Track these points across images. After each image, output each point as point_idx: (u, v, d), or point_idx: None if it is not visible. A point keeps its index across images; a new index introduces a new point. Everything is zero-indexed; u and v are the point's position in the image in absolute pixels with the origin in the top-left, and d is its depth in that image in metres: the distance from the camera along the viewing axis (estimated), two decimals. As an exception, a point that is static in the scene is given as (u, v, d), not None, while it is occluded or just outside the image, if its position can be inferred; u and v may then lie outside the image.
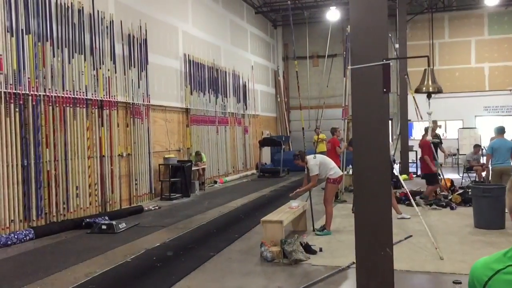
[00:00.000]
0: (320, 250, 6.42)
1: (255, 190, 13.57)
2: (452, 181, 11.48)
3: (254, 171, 18.73)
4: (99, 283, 5.36)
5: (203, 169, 13.83)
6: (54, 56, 8.54)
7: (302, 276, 5.40)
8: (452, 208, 9.37)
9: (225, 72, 16.53)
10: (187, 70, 13.76)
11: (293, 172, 18.02)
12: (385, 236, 3.07)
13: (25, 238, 7.46)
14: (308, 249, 6.31)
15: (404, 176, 14.55)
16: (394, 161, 11.51)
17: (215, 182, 15.10)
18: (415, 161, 17.00)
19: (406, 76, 13.96)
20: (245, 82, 18.38)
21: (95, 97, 9.59)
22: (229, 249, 6.83)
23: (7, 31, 7.61)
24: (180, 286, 5.19)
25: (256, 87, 19.93)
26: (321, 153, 12.64)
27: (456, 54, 20.78)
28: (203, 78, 14.80)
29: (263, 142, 18.77)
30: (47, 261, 6.36)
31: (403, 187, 12.13)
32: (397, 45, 16.18)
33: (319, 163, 7.54)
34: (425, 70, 4.27)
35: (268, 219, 6.70)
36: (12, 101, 7.67)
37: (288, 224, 7.47)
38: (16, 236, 7.37)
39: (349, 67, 3.31)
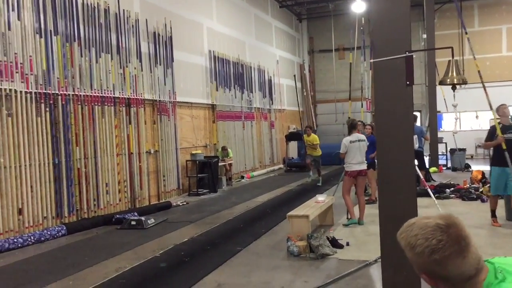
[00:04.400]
0: (347, 244, 6.39)
1: (282, 184, 13.57)
2: (483, 173, 11.23)
3: (281, 165, 18.71)
4: (128, 278, 5.48)
5: (230, 165, 13.90)
6: (82, 56, 8.72)
7: (328, 271, 5.39)
8: (483, 201, 9.17)
9: (250, 67, 16.54)
10: (213, 66, 13.83)
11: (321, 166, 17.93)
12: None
13: (57, 234, 7.67)
14: (334, 243, 6.29)
15: (434, 168, 14.30)
16: (422, 153, 11.29)
17: (242, 177, 15.17)
18: (445, 153, 16.68)
19: (435, 67, 13.68)
20: (270, 76, 18.36)
21: (123, 95, 9.75)
22: (256, 244, 6.87)
23: (36, 33, 7.81)
24: (208, 281, 5.25)
25: (281, 81, 19.89)
26: (319, 156, 13.24)
27: (487, 43, 20.22)
28: (229, 74, 14.86)
29: (289, 137, 18.72)
30: (79, 256, 6.53)
31: (432, 179, 12.02)
32: (424, 36, 15.87)
33: (348, 146, 7.64)
34: (449, 61, 4.17)
35: (294, 213, 6.70)
36: (42, 101, 7.87)
37: (315, 218, 7.47)
38: (49, 232, 7.58)
39: (371, 60, 3.28)
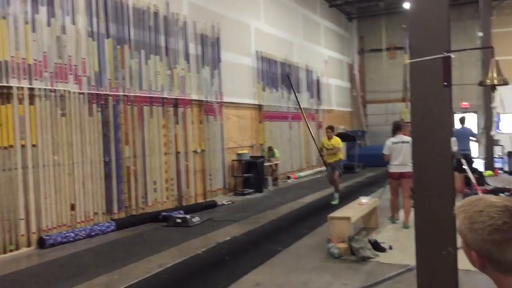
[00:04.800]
0: (390, 248, 6.26)
1: (328, 186, 13.42)
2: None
3: (329, 166, 18.52)
4: (170, 274, 5.63)
5: (276, 165, 13.93)
6: (132, 58, 9.03)
7: (368, 274, 5.31)
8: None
9: (298, 67, 16.50)
10: (260, 67, 13.92)
11: (368, 168, 17.66)
12: (447, 235, 2.95)
13: (107, 230, 7.97)
14: (377, 246, 6.18)
15: (489, 172, 13.73)
16: (470, 156, 10.85)
17: (288, 177, 15.16)
18: (502, 156, 15.96)
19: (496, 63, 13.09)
20: (318, 76, 18.24)
21: (170, 95, 10.01)
22: (297, 244, 6.87)
23: (89, 36, 8.16)
24: (246, 280, 5.30)
25: (330, 81, 19.71)
26: (337, 162, 10.45)
27: (549, 40, 19.16)
28: (276, 74, 14.90)
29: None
30: (126, 251, 6.77)
31: (486, 183, 11.54)
32: (480, 33, 15.23)
33: (390, 147, 7.60)
34: (490, 61, 4.01)
35: (336, 215, 6.65)
36: (94, 101, 8.21)
37: (358, 220, 7.38)
38: (99, 228, 7.91)
39: (408, 60, 3.21)
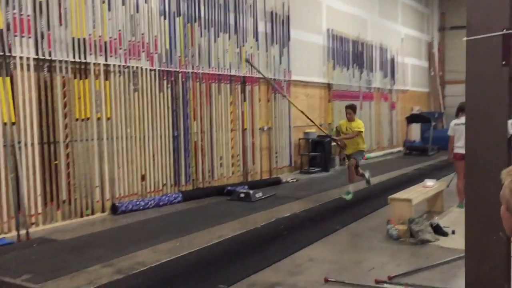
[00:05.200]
0: (453, 232, 6.07)
1: (398, 167, 13.14)
2: None
3: (401, 148, 18.02)
4: (228, 245, 5.86)
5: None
6: (201, 36, 9.28)
7: (425, 257, 5.22)
8: None
9: (371, 45, 16.06)
10: (330, 45, 13.72)
11: (444, 151, 16.94)
12: (500, 219, 2.86)
13: (174, 201, 8.38)
14: (438, 230, 6.02)
15: None
16: None
17: (357, 158, 14.93)
18: None
19: None
20: (393, 55, 17.65)
21: (238, 73, 10.18)
22: (356, 224, 6.85)
23: (161, 15, 8.48)
24: (301, 255, 5.40)
25: (406, 60, 19.00)
26: (359, 152, 8.45)
27: None
28: (347, 52, 14.62)
29: (410, 119, 17.91)
30: (190, 222, 7.12)
31: None
32: None
33: (453, 129, 7.53)
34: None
35: (397, 196, 6.54)
36: (165, 78, 8.57)
37: (423, 203, 7.23)
38: (167, 198, 8.33)
39: (465, 38, 3.09)
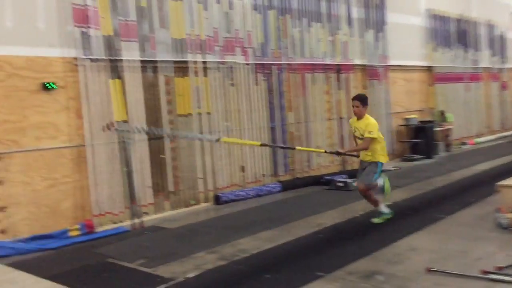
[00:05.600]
0: None
1: (510, 152, 12.19)
2: None
3: (514, 131, 16.68)
4: (326, 233, 5.90)
5: (449, 130, 13.08)
6: (293, 27, 9.34)
7: (541, 248, 4.84)
8: None
9: (476, 23, 14.99)
10: (430, 26, 13.05)
11: None
12: None
13: (273, 190, 8.59)
14: (556, 219, 5.54)
15: None
16: None
17: (464, 143, 14.11)
18: None
19: None
20: (502, 31, 16.32)
21: (333, 61, 10.09)
22: (461, 212, 6.51)
23: (254, 9, 8.67)
24: (402, 244, 5.27)
25: (517, 36, 17.48)
26: (373, 166, 6.15)
27: None
28: (449, 32, 13.80)
29: (525, 99, 16.45)
30: (288, 211, 7.26)
31: None
32: None
33: None
34: None
35: (508, 183, 6.10)
36: (259, 70, 8.77)
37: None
38: (266, 188, 8.56)
39: None
